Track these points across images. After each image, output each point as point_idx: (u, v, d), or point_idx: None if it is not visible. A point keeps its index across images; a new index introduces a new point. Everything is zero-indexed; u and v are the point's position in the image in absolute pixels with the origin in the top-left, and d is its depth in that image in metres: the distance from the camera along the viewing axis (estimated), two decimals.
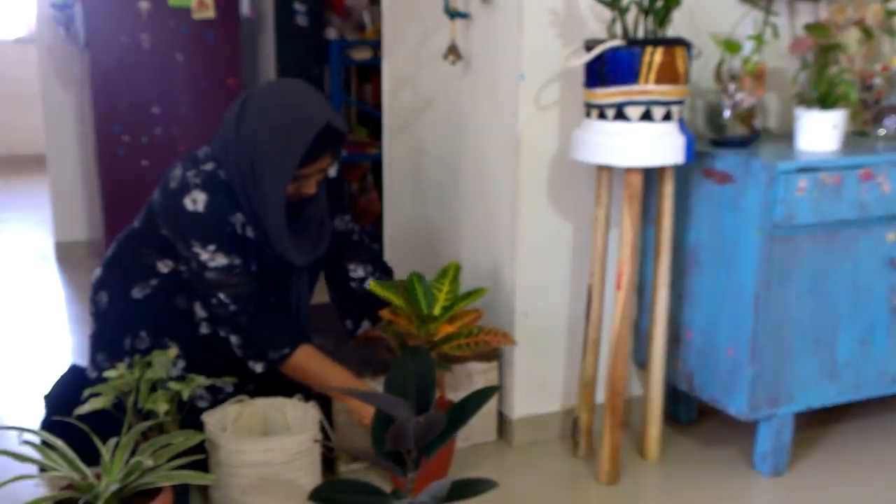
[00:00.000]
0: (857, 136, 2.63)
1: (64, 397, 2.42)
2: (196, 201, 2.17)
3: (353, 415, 2.29)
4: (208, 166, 2.22)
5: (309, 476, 2.14)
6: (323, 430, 2.26)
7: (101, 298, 2.38)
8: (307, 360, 2.25)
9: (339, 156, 2.32)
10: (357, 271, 2.54)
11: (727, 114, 2.43)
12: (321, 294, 2.64)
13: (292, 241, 2.27)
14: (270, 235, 2.23)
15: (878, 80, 2.60)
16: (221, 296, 2.19)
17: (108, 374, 2.06)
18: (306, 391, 2.32)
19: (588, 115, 2.30)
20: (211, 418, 2.15)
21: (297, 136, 2.13)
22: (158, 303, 2.32)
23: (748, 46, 2.43)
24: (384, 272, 2.58)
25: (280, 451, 2.09)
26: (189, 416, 2.16)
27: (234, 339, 2.23)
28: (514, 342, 2.45)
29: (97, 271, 2.44)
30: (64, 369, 2.67)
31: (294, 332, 2.28)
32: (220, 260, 2.18)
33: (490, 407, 2.59)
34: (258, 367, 2.24)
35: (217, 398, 2.31)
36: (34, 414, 2.51)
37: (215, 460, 2.11)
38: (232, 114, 2.22)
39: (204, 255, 2.18)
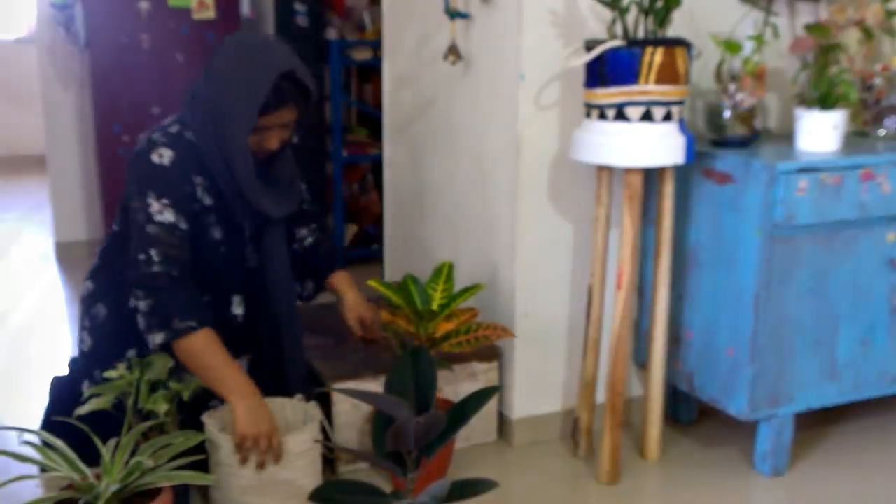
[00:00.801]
0: (857, 137, 2.64)
1: (61, 405, 2.37)
2: (162, 156, 2.18)
3: (234, 422, 2.13)
4: (174, 128, 2.24)
5: (309, 476, 2.14)
6: (323, 430, 2.26)
7: (99, 311, 2.34)
8: (208, 345, 2.15)
9: (303, 112, 2.28)
10: (301, 232, 2.53)
11: (727, 114, 2.43)
12: (325, 294, 2.63)
13: (264, 191, 2.26)
14: (242, 185, 2.21)
15: (878, 81, 2.60)
16: (152, 252, 2.14)
17: (109, 374, 2.06)
18: (306, 391, 2.32)
19: (588, 115, 2.30)
20: (211, 418, 2.15)
21: (259, 78, 2.14)
22: None
23: (748, 47, 2.43)
24: (328, 239, 2.57)
25: (285, 450, 2.09)
26: (192, 415, 2.16)
27: (143, 304, 2.15)
28: (514, 335, 2.46)
29: (87, 284, 2.41)
30: (51, 387, 2.55)
31: (206, 314, 2.19)
32: (168, 216, 2.16)
33: (490, 407, 2.59)
34: (158, 339, 2.13)
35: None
36: (34, 414, 2.51)
37: (215, 460, 2.11)
38: (199, 74, 2.26)
39: (154, 207, 2.15)
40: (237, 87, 2.14)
